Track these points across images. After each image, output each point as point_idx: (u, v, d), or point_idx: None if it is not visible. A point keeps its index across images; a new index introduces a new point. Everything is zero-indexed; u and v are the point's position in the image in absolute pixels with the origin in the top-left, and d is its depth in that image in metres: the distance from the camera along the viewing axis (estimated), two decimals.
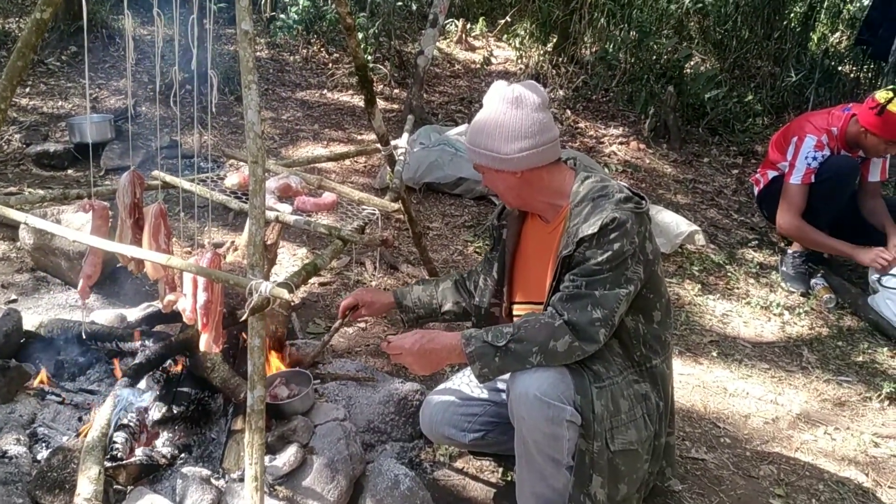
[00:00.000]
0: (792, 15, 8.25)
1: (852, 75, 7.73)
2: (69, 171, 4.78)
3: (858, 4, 8.95)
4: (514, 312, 2.39)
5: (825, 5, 8.62)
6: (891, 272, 3.94)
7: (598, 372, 2.09)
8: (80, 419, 2.45)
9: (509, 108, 2.12)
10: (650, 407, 2.19)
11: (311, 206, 2.42)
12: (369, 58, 6.93)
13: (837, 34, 8.77)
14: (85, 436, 2.20)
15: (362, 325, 3.49)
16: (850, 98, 6.93)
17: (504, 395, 2.39)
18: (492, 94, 2.17)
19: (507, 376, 2.15)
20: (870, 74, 7.68)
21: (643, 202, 2.14)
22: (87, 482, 1.99)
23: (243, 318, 1.78)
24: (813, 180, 4.11)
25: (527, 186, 2.18)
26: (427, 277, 3.54)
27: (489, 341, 2.04)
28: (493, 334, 2.04)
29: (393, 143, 3.00)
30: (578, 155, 5.04)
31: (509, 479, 2.57)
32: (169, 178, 2.42)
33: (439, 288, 2.59)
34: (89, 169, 2.84)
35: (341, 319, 2.50)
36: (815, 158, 4.09)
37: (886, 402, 3.33)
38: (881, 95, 3.89)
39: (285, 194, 2.49)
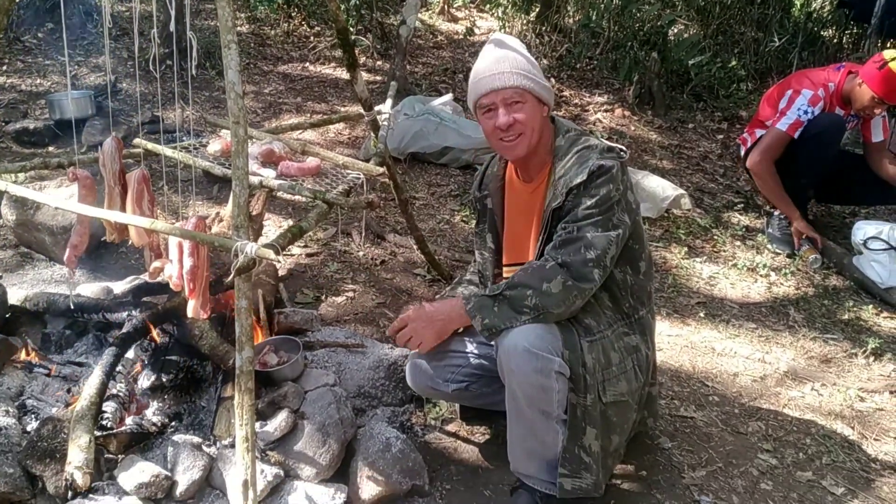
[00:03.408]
0: None
1: (835, 39, 7.73)
2: (50, 148, 4.73)
3: None
4: (504, 274, 2.40)
5: None
6: (876, 234, 3.96)
7: (589, 326, 2.12)
8: (68, 391, 2.44)
9: (528, 52, 2.19)
10: (640, 358, 2.23)
11: (295, 170, 2.40)
12: (351, 30, 6.86)
13: None
14: (74, 406, 2.19)
15: (350, 294, 3.48)
16: (834, 61, 6.93)
17: (487, 349, 2.40)
18: (506, 37, 2.20)
19: None
20: (853, 38, 7.68)
21: (623, 153, 2.17)
22: (78, 451, 1.99)
23: (230, 278, 1.77)
24: (797, 135, 4.12)
25: (544, 128, 2.21)
26: (417, 245, 3.53)
27: (486, 294, 2.10)
28: (489, 289, 2.10)
29: (376, 108, 2.98)
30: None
31: (500, 442, 2.58)
32: (151, 145, 2.40)
33: (467, 283, 2.58)
34: (73, 143, 2.82)
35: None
36: (806, 112, 4.10)
37: (871, 358, 3.37)
38: (889, 53, 3.92)
39: (269, 160, 2.47)
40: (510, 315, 2.05)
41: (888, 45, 7.01)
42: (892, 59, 3.85)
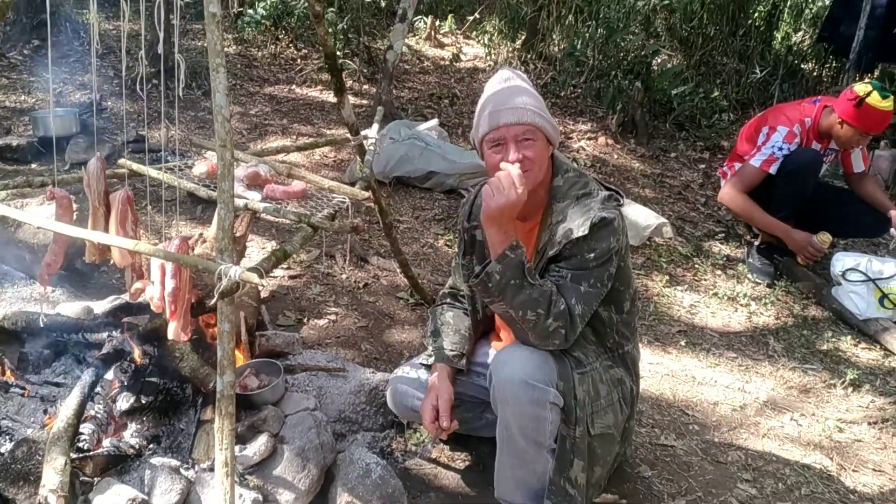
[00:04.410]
0: (756, 13, 8.36)
1: (815, 72, 7.87)
2: (33, 165, 4.70)
3: (820, 3, 9.10)
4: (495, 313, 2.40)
5: (788, 4, 8.75)
6: (854, 266, 4.01)
7: (579, 358, 2.13)
8: (45, 412, 2.41)
9: (533, 89, 2.17)
10: (625, 391, 2.24)
11: (281, 194, 2.40)
12: (338, 54, 6.90)
13: (800, 33, 8.91)
14: (50, 427, 2.16)
15: (332, 317, 3.47)
16: (814, 94, 7.04)
17: (469, 375, 2.40)
18: (515, 75, 2.18)
19: (491, 359, 2.17)
20: (832, 72, 7.81)
21: (621, 198, 2.18)
22: (53, 473, 1.96)
23: (212, 302, 1.76)
24: (772, 170, 4.18)
25: (546, 171, 2.18)
26: (401, 269, 3.52)
27: (525, 268, 2.01)
28: (531, 270, 2.02)
29: (363, 132, 2.99)
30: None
31: (481, 468, 2.57)
32: (136, 165, 2.39)
33: (451, 324, 2.47)
34: (53, 161, 2.81)
35: (437, 434, 2.30)
36: (780, 149, 4.16)
37: (850, 389, 3.39)
38: (860, 88, 3.97)
39: (254, 182, 2.47)
40: (508, 303, 2.01)
41: (865, 78, 7.14)
42: (867, 94, 3.91)
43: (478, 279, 2.03)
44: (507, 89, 2.13)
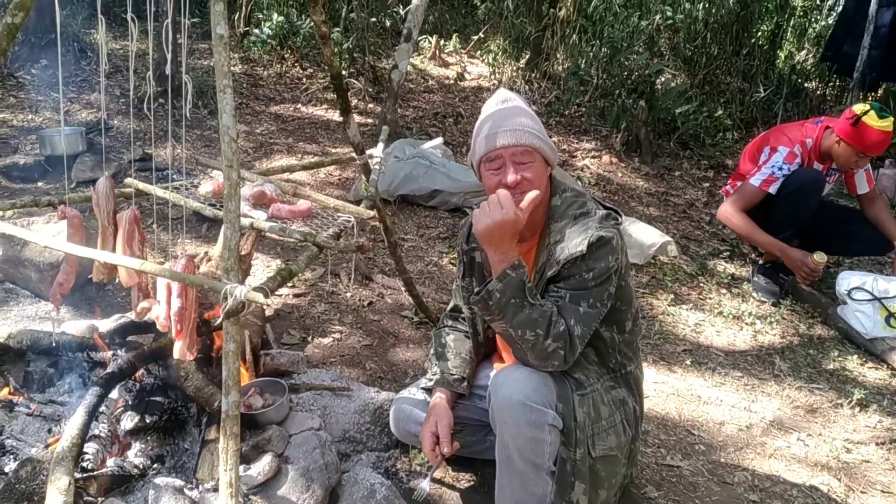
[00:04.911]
0: (759, 33, 8.40)
1: (818, 91, 7.89)
2: (39, 184, 4.72)
3: (823, 23, 9.15)
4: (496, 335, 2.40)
5: (791, 24, 8.79)
6: (860, 285, 3.99)
7: (580, 380, 2.11)
8: (49, 431, 2.41)
9: (530, 110, 2.17)
10: (628, 412, 2.22)
11: (286, 213, 2.41)
12: (344, 73, 6.94)
13: (804, 52, 8.94)
14: (54, 447, 2.16)
15: (337, 335, 3.47)
16: (818, 113, 7.07)
17: (472, 400, 2.39)
18: (513, 96, 2.19)
19: (490, 381, 2.16)
20: (835, 91, 7.84)
21: (620, 217, 2.17)
22: (57, 493, 1.95)
23: (218, 322, 1.76)
24: (772, 190, 4.18)
25: (545, 193, 2.17)
26: (406, 287, 3.52)
27: (526, 288, 2.00)
28: (532, 290, 2.01)
29: (368, 152, 3.00)
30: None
31: (485, 489, 2.56)
32: (142, 185, 2.40)
33: (452, 348, 2.46)
34: (64, 179, 2.82)
35: (438, 462, 2.25)
36: (780, 169, 4.16)
37: (857, 409, 3.37)
38: (858, 108, 3.98)
39: (260, 202, 2.48)
40: (507, 321, 2.01)
41: (869, 98, 7.16)
42: (864, 113, 3.92)
43: (478, 296, 2.03)
44: (505, 110, 2.14)
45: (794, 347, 3.92)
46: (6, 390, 2.52)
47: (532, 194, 2.02)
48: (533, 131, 2.09)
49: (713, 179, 6.30)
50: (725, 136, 7.05)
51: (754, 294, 4.45)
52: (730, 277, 4.66)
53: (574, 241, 2.06)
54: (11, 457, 2.28)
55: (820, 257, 4.11)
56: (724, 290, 4.50)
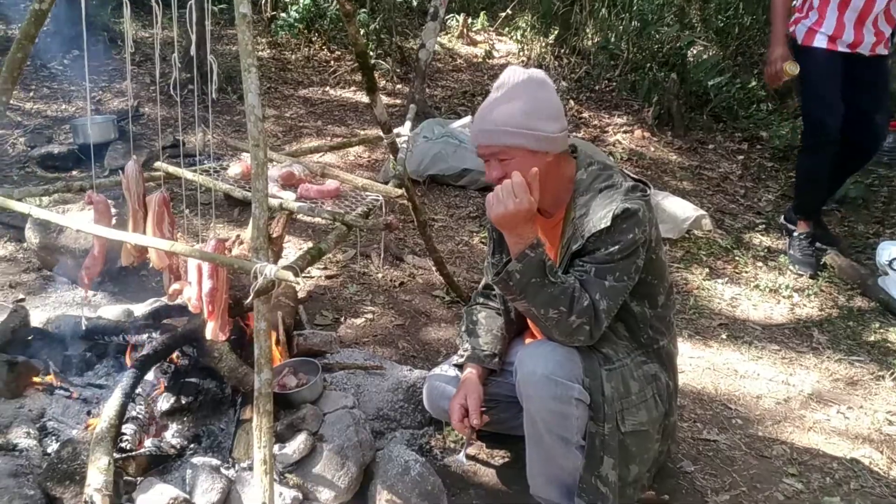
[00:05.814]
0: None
1: None
2: (73, 172, 4.79)
3: None
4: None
5: None
6: None
7: (608, 355, 2.09)
8: (88, 413, 2.45)
9: (539, 90, 2.08)
10: (660, 387, 2.19)
11: (315, 193, 2.41)
12: (371, 54, 6.92)
13: None
14: (93, 428, 2.19)
15: (369, 316, 3.48)
16: None
17: (504, 376, 2.38)
18: (513, 77, 2.10)
19: (516, 357, 2.15)
20: None
21: (648, 189, 2.13)
22: (98, 473, 1.99)
23: (249, 300, 1.77)
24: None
25: (552, 172, 2.11)
26: (436, 267, 3.52)
27: (547, 266, 1.98)
28: (552, 268, 2.00)
29: (395, 130, 2.99)
30: (579, 143, 5.02)
31: (520, 465, 2.55)
32: (172, 168, 2.42)
33: (483, 324, 2.44)
34: (92, 167, 2.85)
35: (470, 436, 2.28)
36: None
37: None
38: None
39: (288, 182, 2.48)
40: (530, 302, 2.00)
41: None
42: None
43: (498, 278, 2.02)
44: (491, 103, 2.08)
45: (832, 320, 3.85)
46: (47, 374, 2.57)
47: (517, 178, 1.98)
48: (507, 129, 2.02)
49: (747, 152, 6.19)
50: (759, 107, 6.91)
51: (791, 267, 4.37)
52: (766, 250, 4.58)
53: (599, 215, 2.03)
54: (53, 438, 2.33)
55: (791, 68, 4.00)
56: (760, 264, 4.43)
